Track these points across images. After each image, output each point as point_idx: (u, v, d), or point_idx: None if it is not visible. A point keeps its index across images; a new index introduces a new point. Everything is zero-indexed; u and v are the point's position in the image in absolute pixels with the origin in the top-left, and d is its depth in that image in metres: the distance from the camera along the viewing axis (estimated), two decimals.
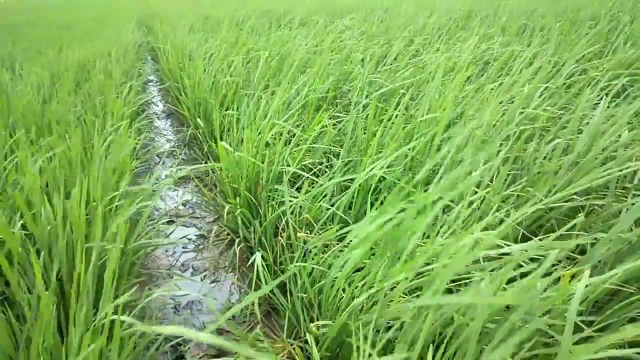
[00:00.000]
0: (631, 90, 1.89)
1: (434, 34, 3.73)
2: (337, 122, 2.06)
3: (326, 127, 1.73)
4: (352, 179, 1.35)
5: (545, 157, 1.50)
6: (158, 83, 4.65)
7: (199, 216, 2.08)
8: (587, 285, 0.86)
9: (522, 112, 1.61)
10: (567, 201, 1.26)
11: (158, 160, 2.69)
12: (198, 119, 2.38)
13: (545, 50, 2.53)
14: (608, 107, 1.78)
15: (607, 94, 1.78)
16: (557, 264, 1.19)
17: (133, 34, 6.01)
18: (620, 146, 1.33)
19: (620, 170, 1.23)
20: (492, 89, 1.83)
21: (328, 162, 1.83)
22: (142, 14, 9.75)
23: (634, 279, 1.10)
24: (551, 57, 2.26)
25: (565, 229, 0.83)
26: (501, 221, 1.13)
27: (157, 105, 3.89)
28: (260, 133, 1.65)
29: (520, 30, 3.77)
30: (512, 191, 1.19)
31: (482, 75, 2.30)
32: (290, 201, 1.33)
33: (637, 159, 1.39)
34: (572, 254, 1.21)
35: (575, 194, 1.35)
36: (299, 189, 1.76)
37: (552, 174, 1.33)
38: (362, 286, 1.07)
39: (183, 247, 1.86)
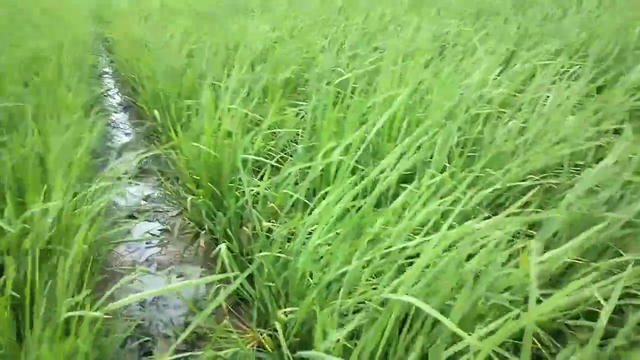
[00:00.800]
0: (581, 71, 1.97)
1: (388, 21, 3.75)
2: (300, 109, 2.05)
3: (287, 114, 1.72)
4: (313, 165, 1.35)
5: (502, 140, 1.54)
6: (114, 75, 4.49)
7: (162, 210, 2.03)
8: (542, 262, 0.89)
9: (480, 96, 1.64)
10: (523, 180, 1.31)
11: (116, 155, 2.60)
12: (156, 111, 2.31)
13: (500, 35, 2.59)
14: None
15: (560, 78, 1.84)
16: (513, 241, 1.23)
17: (87, 26, 5.76)
18: (571, 127, 1.38)
19: (572, 151, 1.28)
20: (449, 73, 1.86)
21: (291, 149, 1.82)
22: (97, 4, 9.35)
23: (589, 250, 1.16)
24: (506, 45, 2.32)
25: (519, 206, 0.86)
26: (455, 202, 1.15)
27: (114, 98, 3.76)
28: (220, 122, 1.63)
29: (475, 15, 3.84)
30: (470, 172, 1.22)
31: (440, 59, 2.34)
32: (252, 190, 1.32)
33: (588, 138, 1.45)
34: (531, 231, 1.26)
35: (531, 173, 1.40)
36: (263, 178, 1.74)
37: (509, 155, 1.37)
38: (324, 269, 1.08)
39: (147, 243, 1.82)
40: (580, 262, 1.10)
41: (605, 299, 0.80)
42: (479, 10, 4.04)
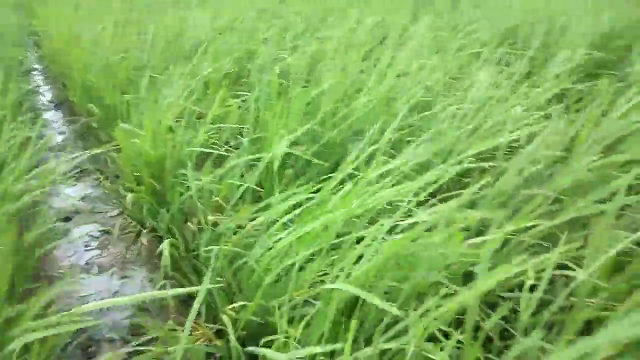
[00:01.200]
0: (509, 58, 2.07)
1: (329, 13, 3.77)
2: (242, 100, 2.02)
3: (230, 106, 1.69)
4: (259, 158, 1.34)
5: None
6: (45, 70, 4.23)
7: (101, 211, 1.94)
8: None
9: (418, 83, 1.69)
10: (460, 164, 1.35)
11: (50, 155, 2.46)
12: (90, 105, 2.20)
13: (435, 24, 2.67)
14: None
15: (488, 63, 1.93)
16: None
17: (11, 17, 5.37)
18: (507, 115, 1.45)
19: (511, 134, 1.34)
20: (389, 64, 1.90)
21: (236, 142, 1.79)
22: None
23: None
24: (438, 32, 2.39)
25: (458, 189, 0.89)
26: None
27: (44, 95, 3.54)
28: (160, 116, 1.57)
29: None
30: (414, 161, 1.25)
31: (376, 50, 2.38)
32: (197, 183, 1.29)
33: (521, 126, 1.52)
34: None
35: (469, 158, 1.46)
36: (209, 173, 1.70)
37: (449, 140, 1.42)
38: (276, 263, 1.08)
39: (85, 245, 1.73)
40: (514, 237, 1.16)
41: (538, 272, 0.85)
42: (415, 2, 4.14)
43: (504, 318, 1.03)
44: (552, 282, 1.10)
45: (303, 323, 0.90)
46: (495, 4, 3.71)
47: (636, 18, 3.01)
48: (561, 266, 1.11)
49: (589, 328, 0.93)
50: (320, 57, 2.14)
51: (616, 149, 1.36)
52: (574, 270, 0.92)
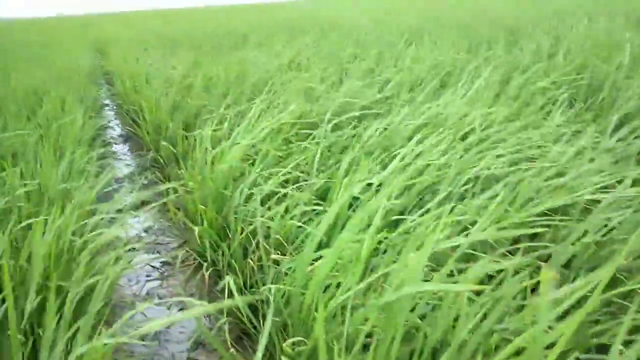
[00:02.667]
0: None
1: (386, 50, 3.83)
2: (302, 141, 2.06)
3: (292, 143, 1.73)
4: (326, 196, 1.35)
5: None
6: (114, 107, 4.53)
7: (163, 242, 2.01)
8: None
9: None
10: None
11: (117, 185, 2.60)
12: (158, 142, 2.32)
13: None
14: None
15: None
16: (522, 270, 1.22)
17: (86, 59, 5.85)
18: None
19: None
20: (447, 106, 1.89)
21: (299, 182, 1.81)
22: (96, 38, 9.54)
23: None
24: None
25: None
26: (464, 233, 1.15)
27: (115, 130, 3.78)
28: (226, 153, 1.63)
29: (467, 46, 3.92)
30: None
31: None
32: (263, 222, 1.31)
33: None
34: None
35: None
36: (269, 209, 1.73)
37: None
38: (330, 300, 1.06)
39: (147, 275, 1.79)
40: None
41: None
42: (470, 40, 4.14)
43: None
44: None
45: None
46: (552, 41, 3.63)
47: None
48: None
49: None
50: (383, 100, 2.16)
51: None
52: None
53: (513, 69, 2.90)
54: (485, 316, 0.92)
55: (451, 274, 1.05)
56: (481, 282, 1.16)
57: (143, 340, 1.47)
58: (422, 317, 0.96)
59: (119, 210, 2.23)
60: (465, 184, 1.44)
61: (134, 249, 1.96)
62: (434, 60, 2.98)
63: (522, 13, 6.08)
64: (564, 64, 2.86)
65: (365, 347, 0.99)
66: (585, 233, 1.11)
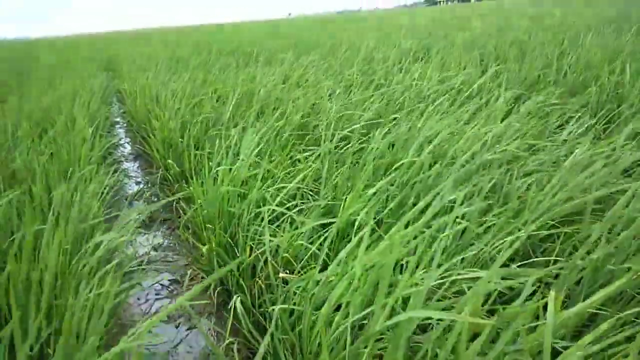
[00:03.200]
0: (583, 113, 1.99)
1: (393, 66, 3.85)
2: (309, 155, 2.07)
3: (299, 161, 1.73)
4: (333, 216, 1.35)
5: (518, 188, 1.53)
6: (125, 125, 4.59)
7: (172, 260, 2.01)
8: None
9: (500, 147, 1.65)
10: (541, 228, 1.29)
11: (127, 203, 2.62)
12: (168, 160, 2.34)
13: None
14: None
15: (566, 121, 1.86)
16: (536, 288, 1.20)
17: (98, 78, 5.95)
18: (595, 178, 1.37)
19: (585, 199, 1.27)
20: (466, 123, 1.88)
21: (304, 199, 1.81)
22: (107, 57, 9.71)
23: (610, 300, 1.12)
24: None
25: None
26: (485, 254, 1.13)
27: (125, 147, 3.82)
28: (234, 171, 1.64)
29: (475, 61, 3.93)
30: (493, 220, 1.21)
31: (452, 105, 2.37)
32: (270, 241, 1.31)
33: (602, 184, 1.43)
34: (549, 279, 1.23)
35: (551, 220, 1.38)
36: (277, 226, 1.73)
37: (533, 204, 1.35)
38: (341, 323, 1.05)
39: (156, 294, 1.79)
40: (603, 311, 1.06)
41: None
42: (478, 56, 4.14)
43: None
44: None
45: None
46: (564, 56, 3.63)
47: None
48: None
49: None
50: (388, 112, 2.17)
51: None
52: None
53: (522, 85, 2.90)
54: (497, 336, 0.90)
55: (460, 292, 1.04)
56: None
57: None
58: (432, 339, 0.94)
59: (129, 229, 2.24)
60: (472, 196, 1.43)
61: (143, 267, 1.96)
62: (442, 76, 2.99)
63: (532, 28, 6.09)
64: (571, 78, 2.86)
65: None
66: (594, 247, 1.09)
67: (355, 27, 10.39)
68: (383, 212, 1.40)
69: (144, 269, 1.94)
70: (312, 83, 3.28)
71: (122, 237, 1.70)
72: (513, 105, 2.49)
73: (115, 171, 3.02)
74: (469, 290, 1.01)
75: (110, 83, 6.75)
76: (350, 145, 1.79)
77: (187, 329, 1.60)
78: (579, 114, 2.14)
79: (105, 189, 2.35)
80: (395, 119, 2.10)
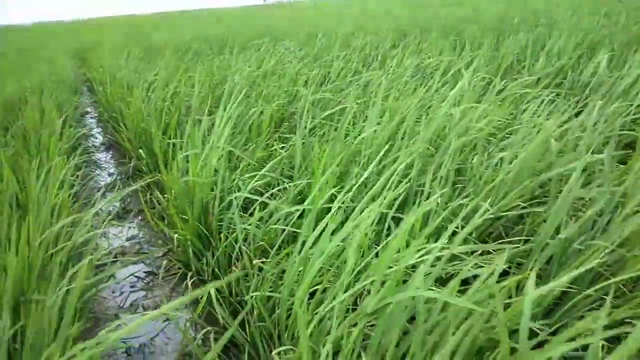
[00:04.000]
0: (558, 100, 2.02)
1: (371, 53, 3.84)
2: (285, 144, 2.05)
3: (275, 149, 1.72)
4: (302, 202, 1.34)
5: (487, 168, 1.55)
6: (96, 115, 4.47)
7: (147, 251, 1.98)
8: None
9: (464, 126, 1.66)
10: (512, 209, 1.31)
11: (99, 195, 2.55)
12: (140, 150, 2.29)
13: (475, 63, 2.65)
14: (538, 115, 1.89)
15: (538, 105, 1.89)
16: (506, 268, 1.22)
17: (67, 66, 5.77)
18: (553, 153, 1.40)
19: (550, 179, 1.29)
20: (429, 106, 1.89)
21: (279, 185, 1.80)
22: (76, 44, 9.41)
23: (580, 277, 1.15)
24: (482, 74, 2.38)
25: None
26: (454, 233, 1.14)
27: (97, 138, 3.73)
28: (206, 159, 1.61)
29: (451, 47, 3.95)
30: (461, 202, 1.22)
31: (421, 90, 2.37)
32: (245, 229, 1.29)
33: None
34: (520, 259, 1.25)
35: (520, 201, 1.40)
36: (252, 215, 1.71)
37: (498, 184, 1.37)
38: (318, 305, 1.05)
39: (131, 286, 1.76)
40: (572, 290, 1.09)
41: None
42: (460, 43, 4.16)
43: None
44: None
45: None
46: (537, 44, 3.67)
47: None
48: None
49: None
50: (363, 99, 2.16)
51: None
52: None
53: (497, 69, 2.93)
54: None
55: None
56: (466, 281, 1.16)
57: (128, 353, 1.45)
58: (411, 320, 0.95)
59: (102, 220, 2.19)
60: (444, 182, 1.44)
61: (116, 259, 1.92)
62: (419, 61, 2.99)
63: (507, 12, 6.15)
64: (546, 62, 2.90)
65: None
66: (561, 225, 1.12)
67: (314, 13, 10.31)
68: (355, 194, 1.40)
69: (117, 261, 1.90)
70: (288, 69, 3.25)
71: (94, 230, 1.66)
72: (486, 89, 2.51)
73: (86, 162, 2.95)
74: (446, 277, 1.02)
75: (80, 72, 6.56)
76: (322, 132, 1.78)
77: (164, 321, 1.58)
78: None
79: (75, 180, 2.29)
80: (369, 102, 2.10)
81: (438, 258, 1.12)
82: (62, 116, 2.91)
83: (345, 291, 0.87)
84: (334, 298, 0.90)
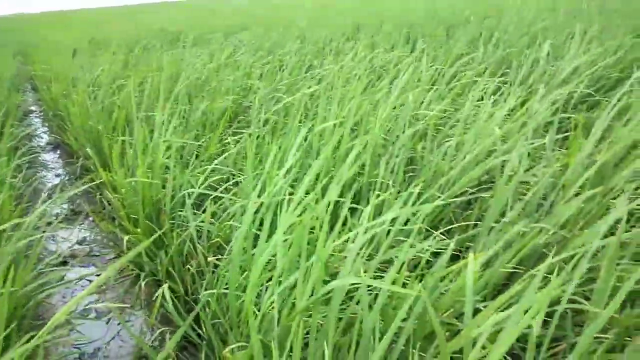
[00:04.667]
0: (505, 87, 2.09)
1: (325, 47, 3.84)
2: (239, 138, 2.02)
3: (228, 144, 1.69)
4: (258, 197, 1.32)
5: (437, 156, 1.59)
6: (41, 114, 4.26)
7: (98, 254, 1.91)
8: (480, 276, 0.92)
9: (414, 116, 1.70)
10: (461, 194, 1.35)
11: (44, 196, 2.44)
12: (87, 148, 2.20)
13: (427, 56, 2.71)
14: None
15: (485, 93, 1.95)
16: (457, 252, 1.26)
17: (8, 63, 5.45)
18: (497, 139, 1.45)
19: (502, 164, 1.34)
20: (380, 98, 1.91)
21: (234, 178, 1.77)
22: (19, 40, 8.92)
23: (526, 257, 1.20)
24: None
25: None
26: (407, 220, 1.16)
27: (42, 138, 3.55)
28: (154, 155, 1.56)
29: (404, 40, 4.01)
30: (411, 190, 1.24)
31: (375, 82, 2.40)
32: (198, 226, 1.27)
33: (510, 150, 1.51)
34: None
35: (468, 187, 1.45)
36: (205, 211, 1.68)
37: (446, 172, 1.41)
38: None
39: (82, 290, 1.69)
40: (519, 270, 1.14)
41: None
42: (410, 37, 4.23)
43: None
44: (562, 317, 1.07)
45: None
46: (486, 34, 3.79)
47: None
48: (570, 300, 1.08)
49: None
50: (316, 92, 2.16)
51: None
52: (584, 304, 0.89)
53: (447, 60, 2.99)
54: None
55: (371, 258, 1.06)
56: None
57: (80, 358, 1.40)
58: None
59: (49, 223, 2.09)
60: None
61: (66, 262, 1.85)
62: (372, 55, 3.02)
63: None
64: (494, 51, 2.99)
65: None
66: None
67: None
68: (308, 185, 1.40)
69: (66, 264, 1.83)
70: (242, 64, 3.20)
71: (42, 232, 1.59)
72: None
73: (31, 163, 2.81)
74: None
75: (24, 69, 6.22)
76: (275, 124, 1.76)
77: (119, 324, 1.53)
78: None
79: (17, 182, 2.17)
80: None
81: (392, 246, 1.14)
82: (2, 115, 2.75)
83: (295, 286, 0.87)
84: (272, 293, 0.90)
